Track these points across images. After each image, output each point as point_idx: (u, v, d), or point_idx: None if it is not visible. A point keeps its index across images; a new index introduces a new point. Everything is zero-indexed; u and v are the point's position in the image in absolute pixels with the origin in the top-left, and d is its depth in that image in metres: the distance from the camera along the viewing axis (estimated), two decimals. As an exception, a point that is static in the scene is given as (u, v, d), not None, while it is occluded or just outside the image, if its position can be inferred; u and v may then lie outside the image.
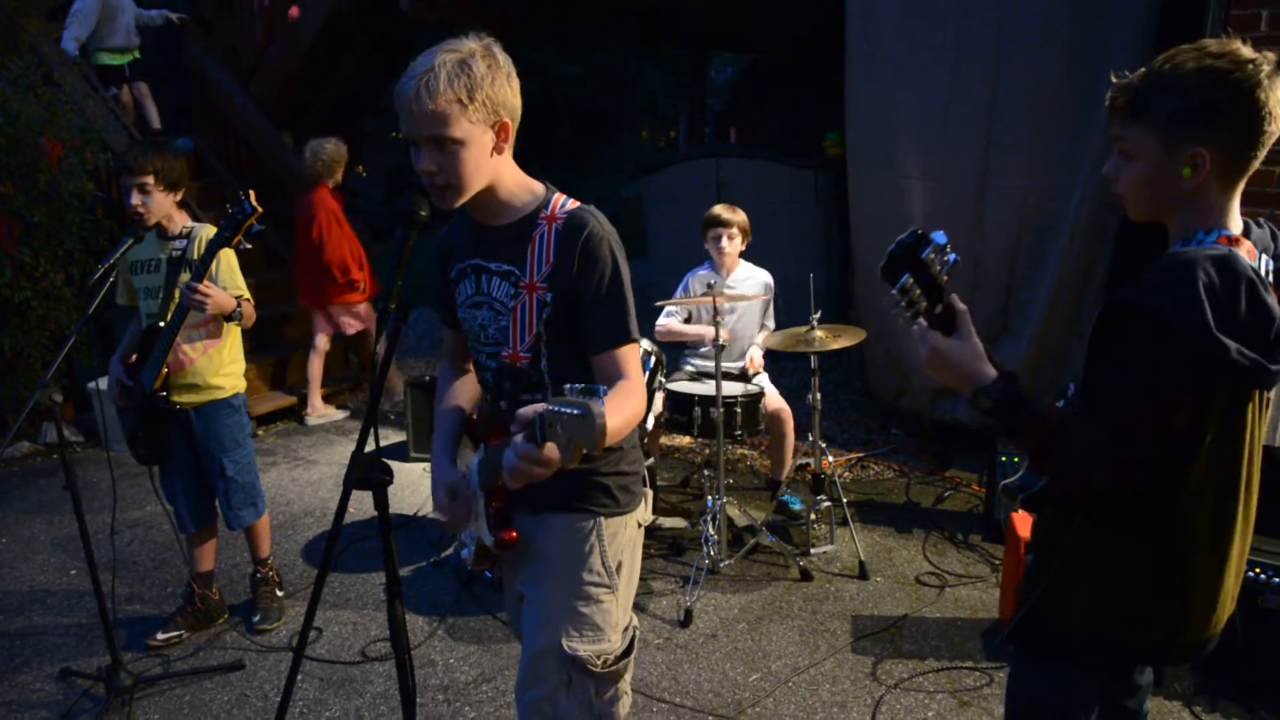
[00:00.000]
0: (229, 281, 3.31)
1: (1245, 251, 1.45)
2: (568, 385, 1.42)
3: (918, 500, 4.77)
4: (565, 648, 1.89)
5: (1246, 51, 1.44)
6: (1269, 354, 1.40)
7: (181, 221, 3.35)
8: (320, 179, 6.14)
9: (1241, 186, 1.51)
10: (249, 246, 3.17)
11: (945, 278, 1.55)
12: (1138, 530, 1.55)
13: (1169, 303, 1.38)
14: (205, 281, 3.09)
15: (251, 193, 3.05)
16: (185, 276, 3.17)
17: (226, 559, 4.22)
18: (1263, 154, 1.48)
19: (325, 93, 9.22)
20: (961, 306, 1.58)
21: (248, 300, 3.35)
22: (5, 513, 4.90)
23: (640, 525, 2.05)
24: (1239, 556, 1.59)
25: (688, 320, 4.52)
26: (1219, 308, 1.37)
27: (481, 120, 1.73)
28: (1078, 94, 4.45)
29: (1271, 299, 1.41)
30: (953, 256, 1.54)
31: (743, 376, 4.47)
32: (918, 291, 1.54)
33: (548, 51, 16.03)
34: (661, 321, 4.48)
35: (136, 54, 7.32)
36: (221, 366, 3.43)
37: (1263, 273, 1.45)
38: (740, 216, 4.39)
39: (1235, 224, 1.50)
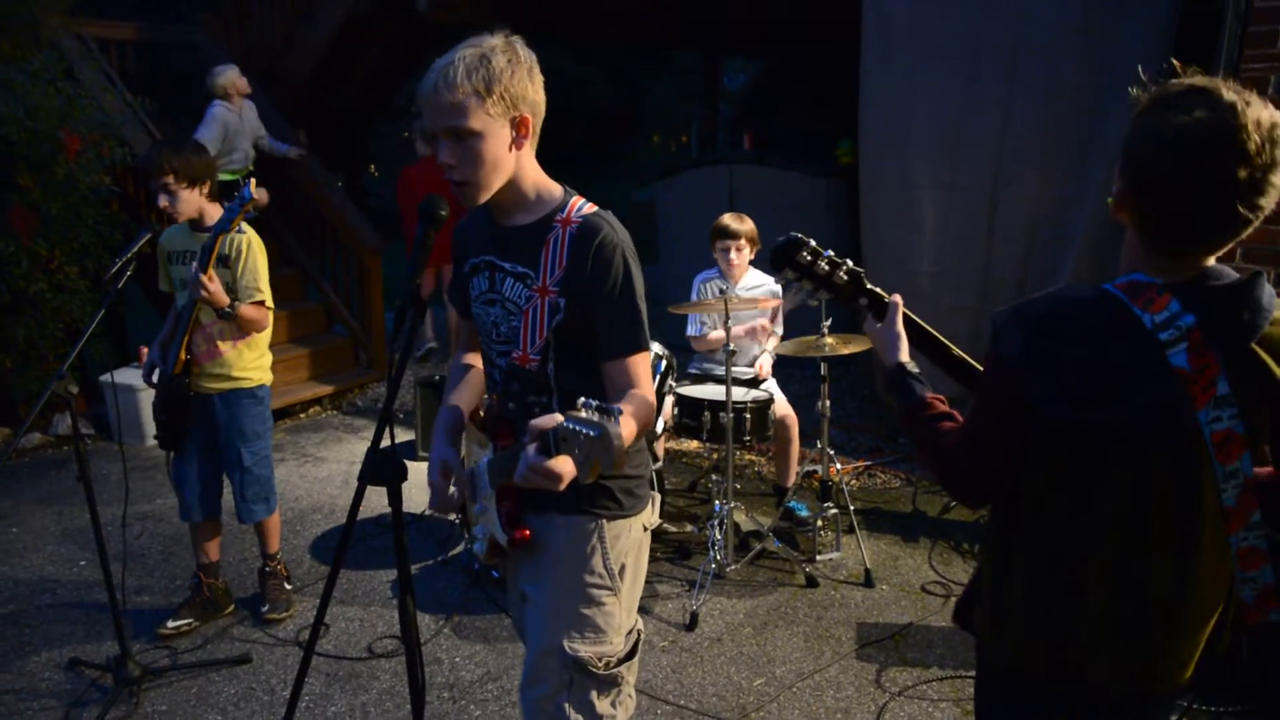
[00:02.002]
0: (251, 284, 3.38)
1: (1145, 303, 1.34)
2: (582, 400, 1.43)
3: (924, 509, 4.77)
4: (566, 648, 1.90)
5: (1210, 111, 1.28)
6: (1094, 405, 1.34)
7: (215, 214, 3.39)
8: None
9: (1183, 251, 1.38)
10: (244, 230, 3.37)
11: (843, 277, 1.77)
12: (992, 543, 1.57)
13: (1004, 328, 1.42)
14: (210, 273, 3.18)
15: (253, 180, 3.19)
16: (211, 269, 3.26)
17: (234, 554, 4.24)
18: (1204, 236, 1.35)
19: (341, 92, 9.27)
20: (894, 301, 1.77)
21: (267, 307, 3.43)
22: (16, 503, 4.94)
23: (646, 529, 2.05)
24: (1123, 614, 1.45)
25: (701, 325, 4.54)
26: (1046, 347, 1.37)
27: (500, 114, 1.75)
28: (1091, 106, 4.45)
29: (1132, 355, 1.32)
30: (851, 263, 1.79)
31: (752, 383, 4.48)
32: (809, 284, 1.78)
33: (562, 55, 16.07)
34: (693, 338, 4.52)
35: (250, 169, 7.03)
36: (251, 360, 3.50)
37: (1165, 325, 1.32)
38: (748, 226, 4.38)
39: (1166, 274, 1.37)
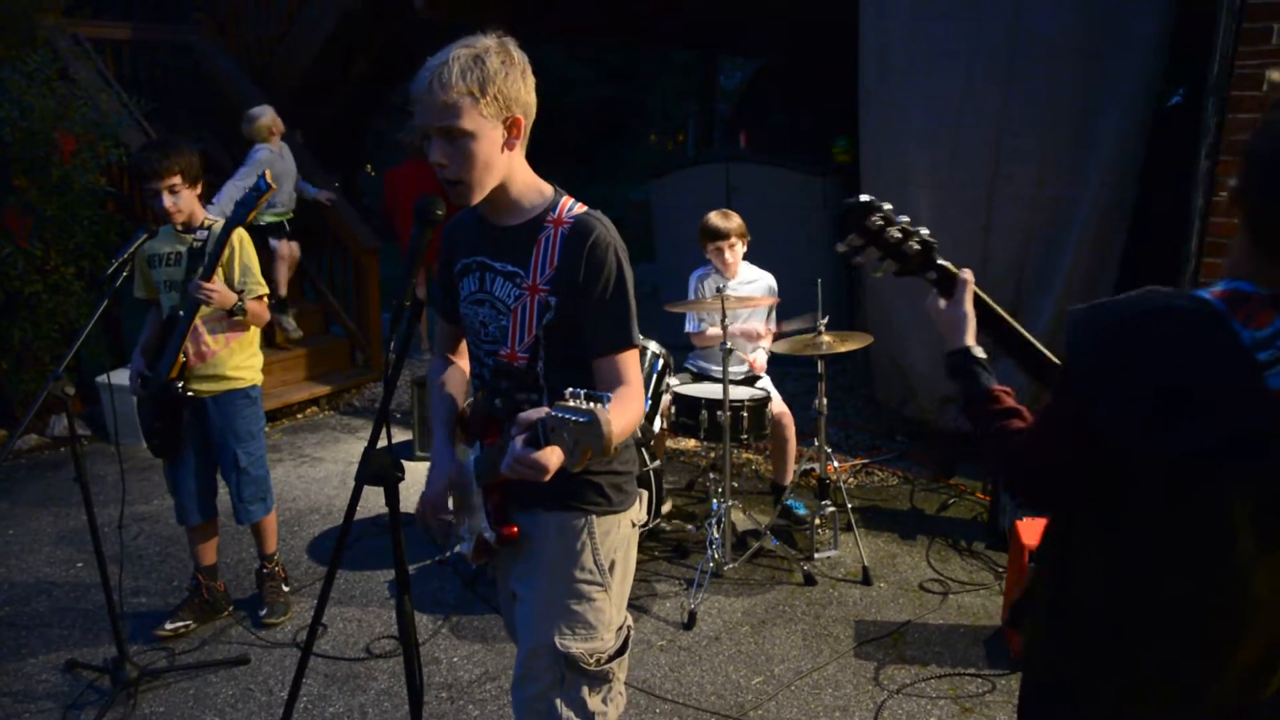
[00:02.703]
0: (249, 280, 3.36)
1: (1246, 317, 1.20)
2: (569, 390, 1.44)
3: (922, 507, 4.77)
4: (558, 645, 1.90)
5: None
6: (1169, 430, 1.20)
7: (202, 215, 3.38)
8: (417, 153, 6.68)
9: None
10: (263, 222, 3.30)
11: (914, 246, 1.65)
12: (1054, 557, 1.46)
13: (1074, 329, 1.29)
14: (213, 279, 3.15)
15: (268, 171, 3.18)
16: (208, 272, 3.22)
17: (232, 555, 4.23)
18: None
19: (337, 92, 9.26)
20: (964, 277, 1.65)
21: (263, 298, 3.41)
22: (13, 504, 4.93)
23: (634, 525, 2.06)
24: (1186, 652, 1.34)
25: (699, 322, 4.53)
26: (1123, 358, 1.23)
27: (493, 115, 1.75)
28: (1089, 106, 4.45)
29: (1223, 375, 1.19)
30: (926, 232, 1.66)
31: (748, 381, 4.47)
32: (875, 252, 1.64)
33: (558, 54, 16.06)
34: (693, 334, 4.51)
35: (291, 214, 6.88)
36: (243, 360, 3.48)
37: (1266, 344, 1.19)
38: (735, 222, 4.31)
39: (1274, 284, 1.23)
